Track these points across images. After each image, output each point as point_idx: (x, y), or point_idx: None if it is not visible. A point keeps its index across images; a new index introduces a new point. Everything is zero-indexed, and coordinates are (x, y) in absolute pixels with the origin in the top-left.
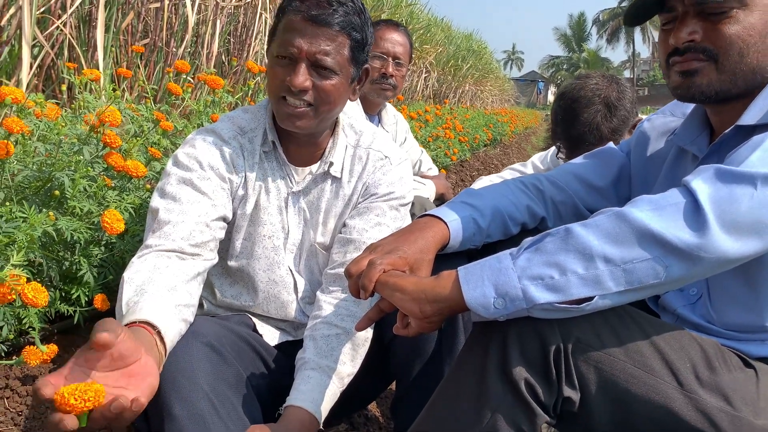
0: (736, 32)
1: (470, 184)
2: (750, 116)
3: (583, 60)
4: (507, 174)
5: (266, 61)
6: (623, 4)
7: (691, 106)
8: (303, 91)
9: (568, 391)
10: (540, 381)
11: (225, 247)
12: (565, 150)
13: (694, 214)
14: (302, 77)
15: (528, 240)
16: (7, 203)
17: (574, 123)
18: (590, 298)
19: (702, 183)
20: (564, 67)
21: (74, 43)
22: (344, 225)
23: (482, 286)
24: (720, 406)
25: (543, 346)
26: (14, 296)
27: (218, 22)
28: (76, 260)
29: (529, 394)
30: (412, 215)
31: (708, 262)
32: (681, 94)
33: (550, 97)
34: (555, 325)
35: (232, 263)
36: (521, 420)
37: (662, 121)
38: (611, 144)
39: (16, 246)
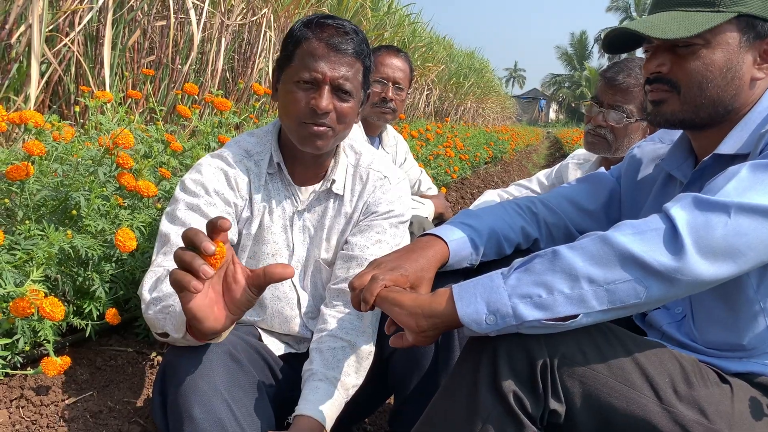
0: (696, 67)
1: (471, 202)
2: (728, 146)
3: (584, 78)
4: (513, 189)
5: (270, 79)
6: (625, 23)
7: (678, 133)
8: (326, 114)
9: (554, 404)
10: (528, 394)
11: None
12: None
13: (673, 239)
14: (327, 100)
15: (518, 261)
16: (26, 221)
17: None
18: (575, 316)
19: (680, 210)
20: (566, 85)
21: (81, 60)
22: (346, 242)
23: (475, 303)
24: (696, 419)
25: (531, 361)
26: (33, 310)
27: (223, 40)
28: (89, 276)
29: (517, 406)
30: (411, 234)
31: (685, 284)
32: (651, 121)
33: (552, 115)
34: (542, 341)
35: None
36: (510, 431)
37: (651, 148)
38: (602, 169)
39: (34, 262)
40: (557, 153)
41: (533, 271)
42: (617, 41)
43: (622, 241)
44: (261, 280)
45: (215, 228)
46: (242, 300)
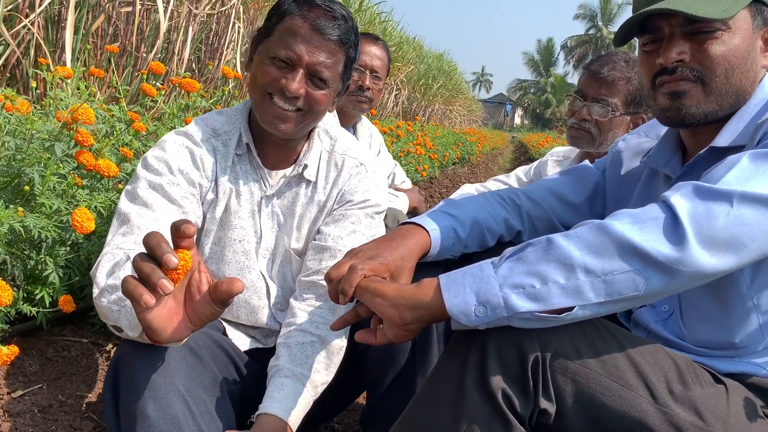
0: (721, 53)
1: (438, 201)
2: (723, 138)
3: (550, 84)
4: (491, 184)
5: (238, 69)
6: (590, 32)
7: (665, 127)
8: (296, 98)
9: (544, 403)
10: (517, 392)
11: None
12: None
13: (674, 228)
14: (298, 84)
15: (510, 249)
16: None
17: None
18: (570, 308)
19: (681, 198)
20: (531, 90)
21: (42, 43)
22: (319, 232)
23: (464, 293)
24: (692, 420)
25: (521, 356)
26: None
27: (190, 29)
28: (42, 259)
29: (505, 405)
30: (386, 227)
31: (686, 276)
32: (670, 117)
33: (517, 120)
34: (534, 336)
35: None
36: (497, 431)
37: (637, 142)
38: (587, 162)
39: None
40: (522, 157)
41: (526, 261)
42: (623, 27)
43: (621, 230)
44: (218, 295)
45: (179, 233)
46: (206, 313)
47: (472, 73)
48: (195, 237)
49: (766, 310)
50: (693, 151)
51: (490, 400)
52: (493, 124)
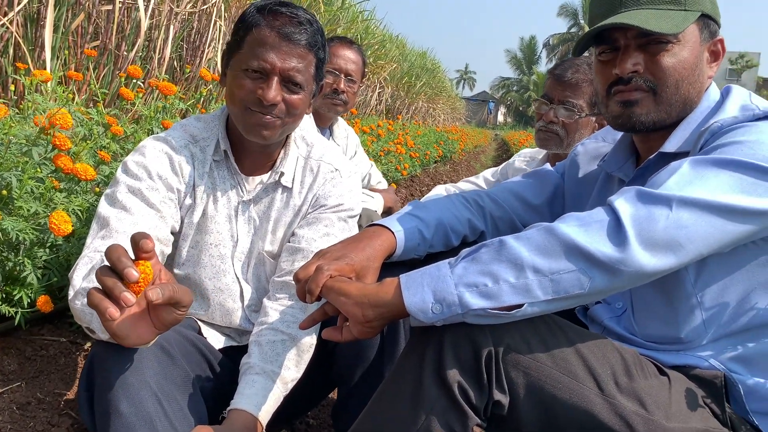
0: (672, 65)
1: (420, 199)
2: (671, 144)
3: (532, 82)
4: (462, 185)
5: (219, 68)
6: (572, 30)
7: (620, 133)
8: (273, 105)
9: (498, 395)
10: (472, 384)
11: (171, 255)
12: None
13: (616, 230)
14: (275, 92)
15: (465, 250)
16: None
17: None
18: (520, 306)
19: (624, 203)
20: (514, 88)
21: (20, 42)
22: (293, 234)
23: (422, 292)
24: (636, 410)
25: (476, 351)
26: None
27: (171, 27)
28: (20, 261)
29: (461, 397)
30: (360, 227)
31: (627, 275)
32: (621, 123)
33: (500, 118)
34: (487, 332)
35: (177, 271)
36: (454, 422)
37: (594, 146)
38: (547, 165)
39: None
40: (504, 155)
41: (480, 261)
42: (581, 38)
43: (567, 232)
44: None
45: (137, 247)
46: (168, 318)
47: (456, 71)
48: (173, 240)
49: (708, 306)
50: (645, 155)
51: (447, 392)
52: (476, 122)
